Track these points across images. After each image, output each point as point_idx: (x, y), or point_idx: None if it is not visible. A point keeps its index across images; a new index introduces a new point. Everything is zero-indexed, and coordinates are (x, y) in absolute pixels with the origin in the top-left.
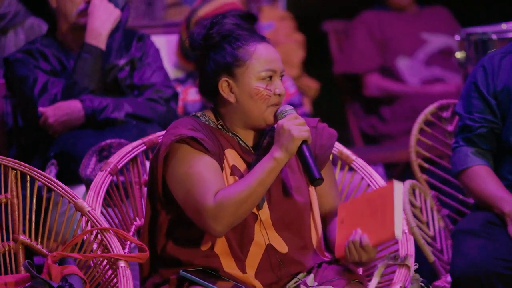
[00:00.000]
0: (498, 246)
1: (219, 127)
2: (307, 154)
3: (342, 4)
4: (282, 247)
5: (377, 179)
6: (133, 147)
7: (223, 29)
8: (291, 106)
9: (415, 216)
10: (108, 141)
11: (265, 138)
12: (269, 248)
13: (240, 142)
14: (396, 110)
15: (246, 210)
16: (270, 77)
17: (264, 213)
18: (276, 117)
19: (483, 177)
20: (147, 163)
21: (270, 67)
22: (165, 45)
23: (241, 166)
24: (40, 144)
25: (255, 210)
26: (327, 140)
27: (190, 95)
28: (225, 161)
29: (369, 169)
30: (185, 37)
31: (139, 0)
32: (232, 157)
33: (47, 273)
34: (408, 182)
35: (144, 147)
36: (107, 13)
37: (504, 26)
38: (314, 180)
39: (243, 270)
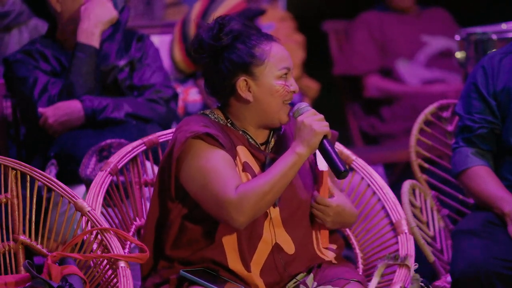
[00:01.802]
0: (498, 246)
1: (229, 125)
2: (329, 148)
3: (342, 4)
4: (289, 247)
5: (377, 179)
6: (133, 147)
7: (234, 29)
8: (306, 103)
9: (415, 216)
10: (108, 141)
11: (273, 136)
12: (275, 248)
13: (250, 140)
14: (396, 110)
15: (268, 202)
16: (285, 75)
17: (274, 211)
18: (293, 115)
19: (483, 177)
20: (147, 163)
21: (286, 65)
22: (168, 44)
23: (252, 163)
24: (40, 144)
25: None
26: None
27: (191, 95)
28: (237, 157)
29: (369, 169)
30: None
31: (138, 0)
32: (243, 153)
33: (47, 273)
34: (408, 182)
35: (144, 147)
36: (100, 12)
37: (504, 26)
38: (340, 173)
39: (248, 268)
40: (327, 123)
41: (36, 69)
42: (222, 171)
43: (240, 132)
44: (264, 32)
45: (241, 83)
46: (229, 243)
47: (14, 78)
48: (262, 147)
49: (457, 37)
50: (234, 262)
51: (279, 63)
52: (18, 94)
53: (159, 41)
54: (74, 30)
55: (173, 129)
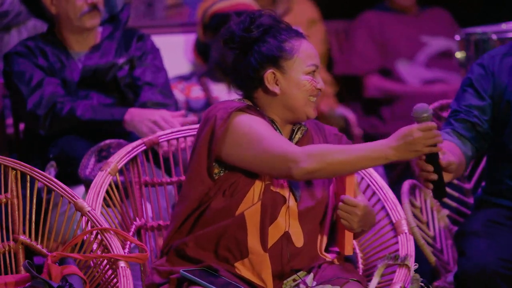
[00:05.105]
0: (502, 246)
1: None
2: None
3: (342, 4)
4: (299, 240)
5: (377, 179)
6: (133, 147)
7: (264, 23)
8: (430, 109)
9: (415, 216)
10: (107, 141)
11: (296, 133)
12: (285, 237)
13: (276, 130)
14: (396, 110)
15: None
16: (313, 72)
17: (292, 200)
18: (412, 113)
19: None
20: (147, 163)
21: (314, 63)
22: (182, 44)
23: None
24: (39, 146)
25: (285, 193)
26: None
27: (193, 92)
28: None
29: (369, 169)
30: (200, 33)
31: (139, 1)
32: None
33: (47, 273)
34: (408, 182)
35: (144, 147)
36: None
37: (504, 26)
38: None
39: (265, 248)
40: (436, 141)
41: (34, 65)
42: (277, 134)
43: (268, 120)
44: (294, 29)
45: (269, 75)
46: (252, 219)
47: (11, 72)
48: None
49: (457, 37)
50: (253, 240)
51: (307, 60)
52: (13, 87)
53: (161, 41)
54: (71, 29)
55: (173, 129)
